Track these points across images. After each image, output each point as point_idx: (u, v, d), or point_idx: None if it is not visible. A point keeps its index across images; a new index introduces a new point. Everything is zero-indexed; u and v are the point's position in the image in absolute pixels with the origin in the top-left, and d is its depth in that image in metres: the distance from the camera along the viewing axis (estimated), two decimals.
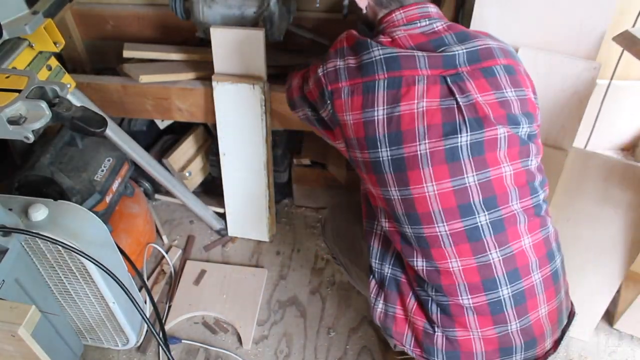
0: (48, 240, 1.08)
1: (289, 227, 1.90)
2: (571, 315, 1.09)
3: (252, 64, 1.48)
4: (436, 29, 1.02)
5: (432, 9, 1.05)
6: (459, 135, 0.94)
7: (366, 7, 1.11)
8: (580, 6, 1.20)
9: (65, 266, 1.21)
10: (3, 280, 1.04)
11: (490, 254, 0.97)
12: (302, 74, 1.18)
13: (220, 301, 1.66)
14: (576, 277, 1.38)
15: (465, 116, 0.95)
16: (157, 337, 1.12)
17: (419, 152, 0.95)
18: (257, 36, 1.42)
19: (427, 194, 0.96)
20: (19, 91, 0.91)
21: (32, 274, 1.20)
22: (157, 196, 1.94)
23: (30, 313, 0.84)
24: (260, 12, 1.46)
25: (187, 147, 1.82)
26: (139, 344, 1.52)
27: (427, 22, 1.02)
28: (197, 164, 1.84)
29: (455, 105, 0.95)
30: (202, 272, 1.73)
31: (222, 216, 1.83)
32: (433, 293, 1.01)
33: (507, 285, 0.98)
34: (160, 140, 1.89)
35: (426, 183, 0.95)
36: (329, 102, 1.02)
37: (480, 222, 0.96)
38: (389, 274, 1.08)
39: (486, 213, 0.96)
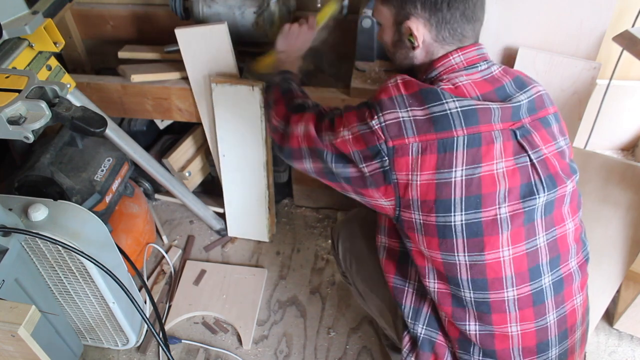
0: (48, 240, 1.08)
1: (289, 227, 1.90)
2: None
3: (221, 61, 1.48)
4: (495, 74, 0.93)
5: (485, 49, 0.96)
6: (537, 197, 0.88)
7: (418, 46, 0.95)
8: (580, 6, 1.20)
9: (65, 266, 1.21)
10: (3, 280, 1.04)
11: (549, 316, 0.93)
12: (314, 120, 1.00)
13: (220, 301, 1.66)
14: None
15: (541, 175, 0.89)
16: (157, 337, 1.11)
17: (498, 217, 0.86)
18: (221, 31, 1.42)
19: (502, 259, 0.88)
20: (18, 91, 0.91)
21: (32, 274, 1.20)
22: (157, 196, 1.94)
23: (30, 313, 0.84)
24: (260, 12, 1.46)
25: (187, 147, 1.82)
26: (138, 344, 1.52)
27: (486, 66, 0.93)
28: (197, 164, 1.84)
29: (529, 163, 0.88)
30: (202, 272, 1.73)
31: (222, 216, 1.83)
32: (480, 357, 0.95)
33: (556, 347, 0.95)
34: (160, 140, 1.89)
35: (502, 248, 0.88)
36: (386, 158, 0.87)
37: (544, 284, 0.92)
38: (422, 335, 1.00)
39: (550, 274, 0.92)
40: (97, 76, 1.61)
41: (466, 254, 0.88)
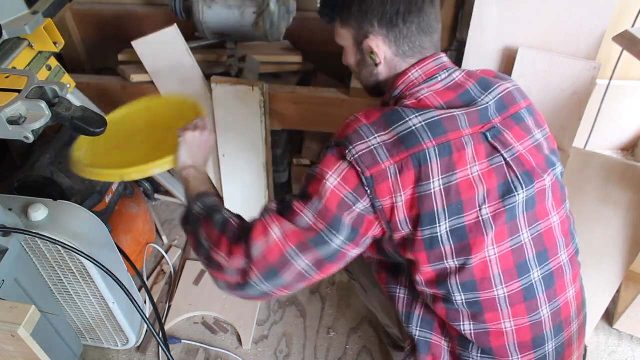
0: (48, 240, 1.08)
1: None
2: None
3: (181, 62, 1.49)
4: (457, 80, 0.94)
5: (445, 58, 0.97)
6: (516, 194, 0.89)
7: (379, 63, 0.96)
8: (580, 6, 1.20)
9: (65, 266, 1.21)
10: (3, 280, 1.04)
11: (542, 310, 0.94)
12: (278, 216, 0.90)
13: (220, 301, 1.66)
14: None
15: (517, 172, 0.89)
16: (156, 337, 1.11)
17: (480, 219, 0.87)
18: (172, 33, 1.43)
19: (488, 259, 0.89)
20: (18, 91, 0.91)
21: (32, 274, 1.20)
22: (157, 196, 1.94)
23: (30, 313, 0.84)
24: (260, 12, 1.46)
25: None
26: (138, 344, 1.52)
27: (447, 74, 0.94)
28: None
29: (504, 162, 0.89)
30: (202, 272, 1.73)
31: None
32: (478, 355, 0.96)
33: (552, 340, 0.96)
34: None
35: (487, 248, 0.89)
36: (367, 189, 0.86)
37: (534, 279, 0.93)
38: (417, 336, 1.01)
39: (539, 268, 0.93)
40: (97, 76, 1.61)
41: (455, 259, 0.89)
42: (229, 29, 1.52)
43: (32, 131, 0.89)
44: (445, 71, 0.95)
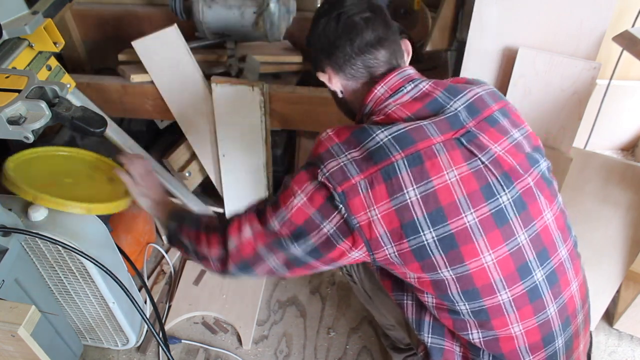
0: (48, 240, 1.08)
1: None
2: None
3: (181, 62, 1.49)
4: (424, 89, 0.96)
5: (410, 70, 0.99)
6: (499, 196, 0.89)
7: (341, 91, 1.03)
8: (580, 6, 1.20)
9: (65, 266, 1.21)
10: (3, 280, 1.04)
11: (549, 309, 0.94)
12: (255, 216, 0.97)
13: (220, 301, 1.66)
14: None
15: (496, 174, 0.90)
16: (157, 337, 1.11)
17: (467, 224, 0.87)
18: (172, 33, 1.43)
19: (485, 265, 0.89)
20: (18, 91, 0.91)
21: (32, 274, 1.20)
22: None
23: (30, 313, 0.84)
24: (260, 12, 1.46)
25: (187, 147, 1.82)
26: (138, 344, 1.52)
27: (412, 86, 0.96)
28: (197, 164, 1.84)
29: (482, 165, 0.89)
30: (202, 272, 1.73)
31: (222, 216, 1.83)
32: None
33: (561, 336, 0.96)
34: (160, 140, 1.89)
35: (483, 254, 0.88)
36: (340, 205, 0.87)
37: (537, 279, 0.92)
38: (429, 343, 1.01)
39: (540, 268, 0.92)
40: (97, 76, 1.61)
41: (449, 269, 0.88)
42: (229, 29, 1.52)
43: (32, 131, 0.89)
44: (411, 82, 0.96)
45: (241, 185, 1.70)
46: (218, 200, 1.83)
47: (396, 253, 0.89)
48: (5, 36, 1.16)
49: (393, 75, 0.97)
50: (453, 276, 0.89)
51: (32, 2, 1.24)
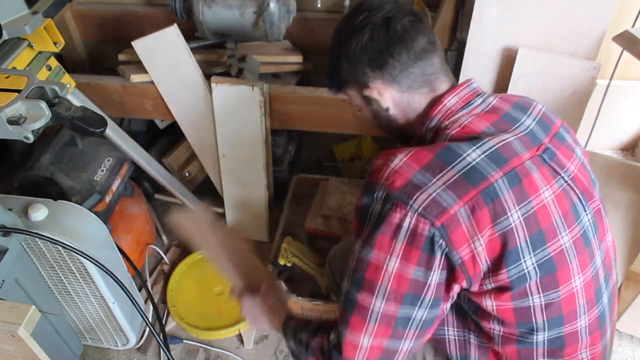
0: (48, 240, 1.08)
1: None
2: None
3: (181, 62, 1.49)
4: (493, 104, 0.89)
5: (475, 83, 0.92)
6: (582, 216, 0.84)
7: (390, 107, 0.91)
8: (580, 6, 1.20)
9: (65, 266, 1.21)
10: (3, 280, 1.04)
11: (608, 332, 0.90)
12: (356, 320, 0.82)
13: None
14: None
15: (578, 194, 0.84)
16: (157, 337, 1.11)
17: (563, 246, 0.80)
18: (172, 33, 1.43)
19: (575, 289, 0.82)
20: (18, 91, 0.91)
21: (32, 274, 1.20)
22: (157, 196, 1.94)
23: (30, 313, 0.84)
24: (260, 12, 1.46)
25: (187, 147, 1.82)
26: (139, 344, 1.52)
27: (481, 100, 0.89)
28: (197, 163, 1.84)
29: (566, 184, 0.84)
30: None
31: (222, 216, 1.83)
32: None
33: (610, 352, 0.95)
34: (160, 140, 1.89)
35: (574, 277, 0.82)
36: (441, 241, 0.76)
37: (604, 303, 0.87)
38: None
39: (607, 290, 0.89)
40: (97, 76, 1.61)
41: (541, 295, 0.81)
42: (229, 29, 1.52)
43: (32, 131, 0.89)
44: (479, 97, 0.89)
45: (241, 185, 1.70)
46: (218, 200, 1.83)
47: (492, 284, 0.80)
48: (5, 36, 1.16)
49: (463, 87, 0.89)
50: (543, 303, 0.81)
51: (32, 2, 1.24)
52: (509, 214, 0.77)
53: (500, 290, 0.80)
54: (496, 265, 0.78)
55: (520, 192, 0.78)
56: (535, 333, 0.83)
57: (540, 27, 1.25)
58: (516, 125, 0.86)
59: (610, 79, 1.57)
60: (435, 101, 0.89)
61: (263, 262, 1.54)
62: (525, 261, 0.78)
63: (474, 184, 0.77)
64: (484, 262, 0.78)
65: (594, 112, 1.60)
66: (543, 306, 0.81)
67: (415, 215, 0.76)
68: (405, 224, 0.77)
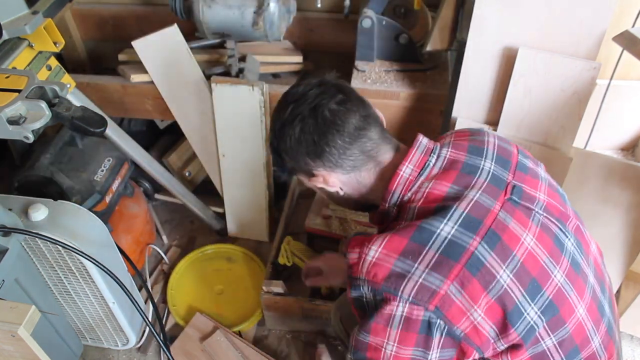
0: (48, 240, 1.08)
1: None
2: None
3: (182, 62, 1.49)
4: (448, 157, 0.88)
5: (424, 139, 0.91)
6: (566, 244, 0.84)
7: (340, 188, 0.92)
8: (580, 6, 1.20)
9: (65, 266, 1.21)
10: (3, 280, 1.04)
11: (616, 337, 0.90)
12: None
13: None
14: None
15: (555, 222, 0.84)
16: (157, 337, 1.11)
17: (559, 284, 0.80)
18: (173, 33, 1.43)
19: (580, 319, 0.82)
20: (18, 91, 0.91)
21: (32, 274, 1.20)
22: (157, 196, 1.94)
23: (30, 313, 0.84)
24: (260, 12, 1.46)
25: (187, 147, 1.82)
26: (139, 344, 1.52)
27: (435, 157, 0.88)
28: (197, 163, 1.84)
29: (542, 217, 0.84)
30: None
31: (222, 216, 1.83)
32: None
33: None
34: (160, 140, 1.89)
35: (577, 308, 0.82)
36: (438, 321, 0.76)
37: (608, 314, 0.88)
38: None
39: (607, 302, 0.89)
40: (97, 76, 1.61)
41: (552, 336, 0.81)
42: (229, 29, 1.52)
43: (32, 131, 0.89)
44: (432, 154, 0.88)
45: (241, 185, 1.70)
46: (218, 200, 1.83)
47: (505, 346, 0.80)
48: (5, 36, 1.16)
49: (413, 151, 0.88)
50: (555, 342, 0.81)
51: (32, 2, 1.24)
52: (499, 277, 0.77)
53: (515, 347, 0.80)
54: (503, 327, 0.78)
55: (503, 250, 0.78)
56: None
57: (541, 27, 1.25)
58: (477, 176, 0.85)
59: (610, 79, 1.57)
60: (390, 173, 0.88)
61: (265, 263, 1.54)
62: (528, 313, 0.78)
63: (456, 259, 0.77)
64: (488, 328, 0.77)
65: (594, 112, 1.60)
66: (557, 346, 0.81)
67: (408, 305, 0.76)
68: (399, 313, 0.77)
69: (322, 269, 1.29)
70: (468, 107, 1.38)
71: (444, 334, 0.77)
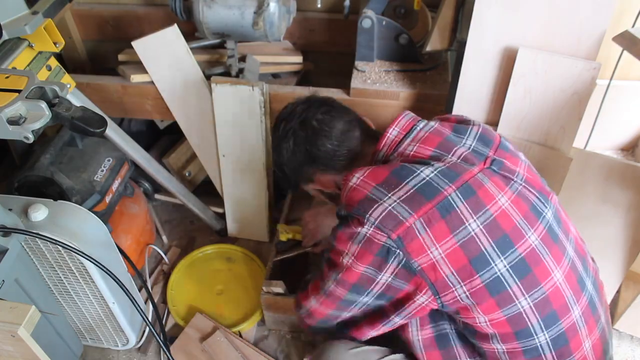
0: (48, 241, 1.08)
1: None
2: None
3: (182, 62, 1.50)
4: (436, 127, 0.95)
5: (412, 113, 0.99)
6: (544, 213, 0.88)
7: (338, 188, 1.04)
8: (580, 6, 1.20)
9: (65, 266, 1.21)
10: (3, 281, 1.04)
11: (601, 318, 0.92)
12: (317, 283, 0.98)
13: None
14: None
15: (535, 193, 0.89)
16: (157, 337, 1.11)
17: (533, 245, 0.84)
18: (173, 33, 1.43)
19: (557, 283, 0.85)
20: (18, 91, 0.91)
21: (32, 274, 1.20)
22: (157, 196, 1.94)
23: (30, 313, 0.84)
24: (261, 12, 1.46)
25: (187, 147, 1.82)
26: (139, 344, 1.52)
27: (424, 124, 0.95)
28: (197, 163, 1.84)
29: (521, 187, 0.88)
30: None
31: (222, 216, 1.83)
32: None
33: (611, 340, 0.97)
34: (160, 140, 1.89)
35: (553, 272, 0.85)
36: (398, 251, 0.82)
37: (589, 289, 0.90)
38: None
39: (588, 277, 0.91)
40: (97, 76, 1.61)
41: (526, 296, 0.84)
42: (229, 29, 1.52)
43: (32, 131, 0.89)
44: (421, 122, 0.96)
45: (241, 185, 1.70)
46: (218, 200, 1.83)
47: (467, 293, 0.83)
48: (5, 36, 1.16)
49: (401, 118, 0.96)
50: (531, 304, 0.84)
51: (32, 2, 1.24)
52: (467, 224, 0.82)
53: (482, 299, 0.83)
54: (466, 273, 0.82)
55: (476, 203, 0.83)
56: (535, 335, 0.85)
57: (541, 27, 1.25)
58: (459, 145, 0.91)
59: (610, 79, 1.57)
60: (381, 135, 0.96)
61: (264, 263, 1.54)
62: (496, 264, 0.82)
63: (428, 198, 0.82)
64: (446, 270, 0.82)
65: (594, 112, 1.60)
66: (532, 307, 0.84)
67: (372, 228, 0.83)
68: (363, 232, 0.84)
69: (318, 229, 1.38)
70: (468, 107, 1.38)
71: (400, 264, 0.83)
